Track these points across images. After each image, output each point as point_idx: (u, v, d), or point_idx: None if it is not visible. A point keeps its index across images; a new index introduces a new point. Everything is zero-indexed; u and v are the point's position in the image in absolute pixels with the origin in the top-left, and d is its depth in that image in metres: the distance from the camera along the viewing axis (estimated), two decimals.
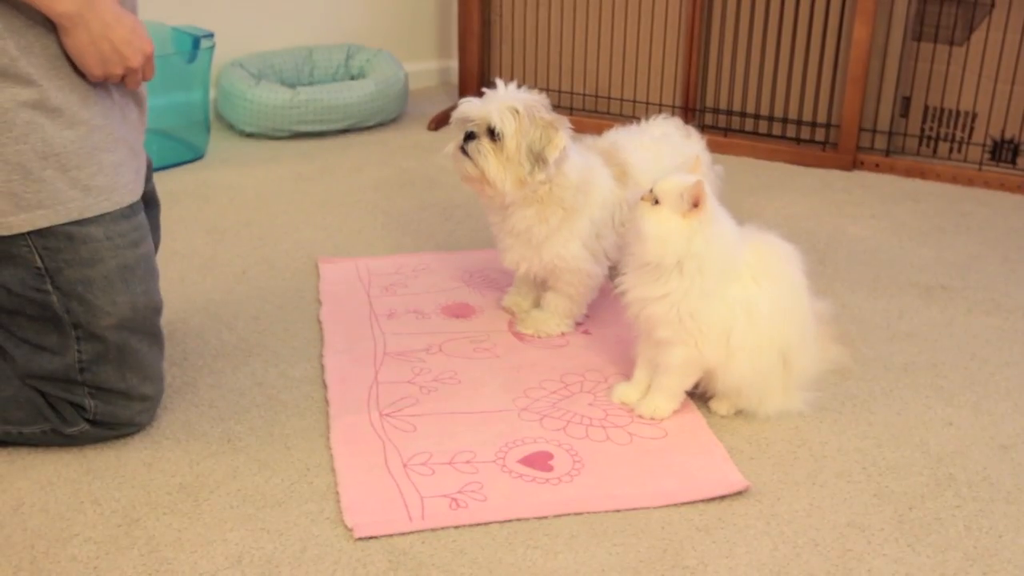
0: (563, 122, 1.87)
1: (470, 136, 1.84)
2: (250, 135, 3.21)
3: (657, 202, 1.65)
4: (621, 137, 2.04)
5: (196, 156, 3.02)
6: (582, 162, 1.91)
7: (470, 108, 1.84)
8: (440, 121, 3.39)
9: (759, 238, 1.76)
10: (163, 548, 1.45)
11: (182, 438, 1.70)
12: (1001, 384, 1.90)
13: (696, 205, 1.63)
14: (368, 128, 3.32)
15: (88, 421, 1.62)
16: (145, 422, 1.68)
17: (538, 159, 1.82)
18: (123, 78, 1.58)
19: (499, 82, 1.88)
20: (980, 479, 1.63)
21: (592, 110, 3.40)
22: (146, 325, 1.63)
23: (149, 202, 1.84)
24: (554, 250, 1.91)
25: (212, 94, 3.18)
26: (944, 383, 1.90)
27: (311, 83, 3.40)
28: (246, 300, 2.15)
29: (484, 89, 1.87)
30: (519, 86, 1.89)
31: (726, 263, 1.68)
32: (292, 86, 3.24)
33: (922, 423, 1.77)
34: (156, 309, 1.65)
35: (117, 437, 1.66)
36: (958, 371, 1.94)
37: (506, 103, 1.82)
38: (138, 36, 1.54)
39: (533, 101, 1.85)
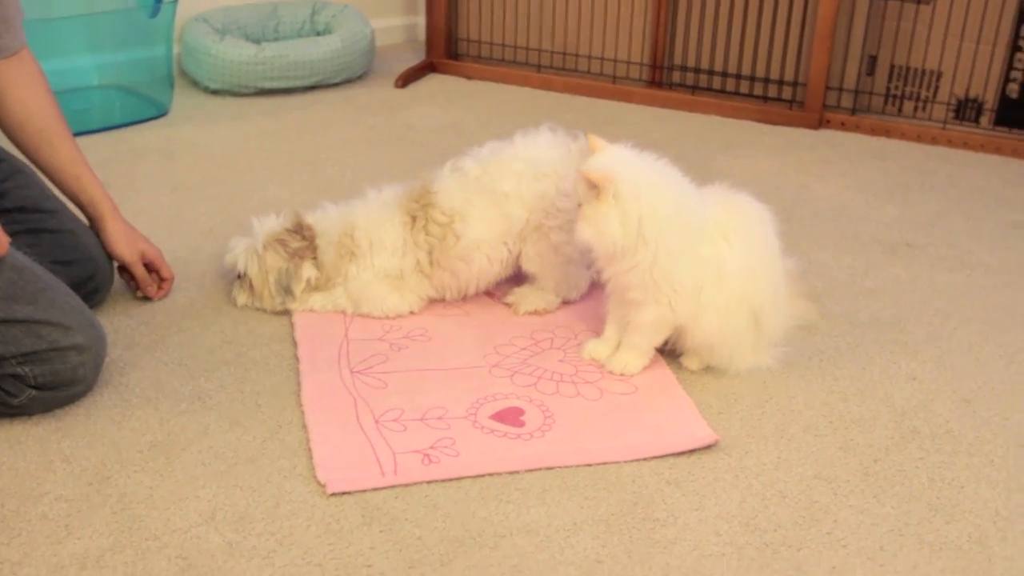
0: (310, 252, 1.93)
1: (238, 275, 1.97)
2: (215, 92, 3.17)
3: (580, 205, 1.68)
4: (492, 163, 1.92)
5: (160, 113, 2.98)
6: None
7: (228, 255, 1.97)
8: (408, 78, 3.37)
9: (731, 197, 1.76)
10: (135, 505, 1.44)
11: (152, 396, 1.69)
12: (964, 339, 1.93)
13: (595, 186, 1.63)
14: (334, 85, 3.29)
15: (32, 387, 1.59)
16: (90, 375, 1.64)
17: (287, 291, 1.91)
18: None
19: (255, 221, 1.96)
20: (943, 432, 1.66)
21: (560, 67, 3.39)
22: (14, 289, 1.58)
23: None
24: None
25: (176, 50, 3.13)
26: (908, 338, 1.93)
27: (276, 39, 3.35)
28: (214, 258, 2.13)
29: (253, 219, 1.97)
30: (277, 215, 1.97)
31: (684, 223, 1.68)
32: (257, 42, 3.20)
33: (887, 377, 1.80)
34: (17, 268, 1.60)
35: (71, 398, 1.64)
36: (922, 326, 1.97)
37: (251, 245, 1.94)
38: None
39: (283, 236, 1.92)
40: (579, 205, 1.68)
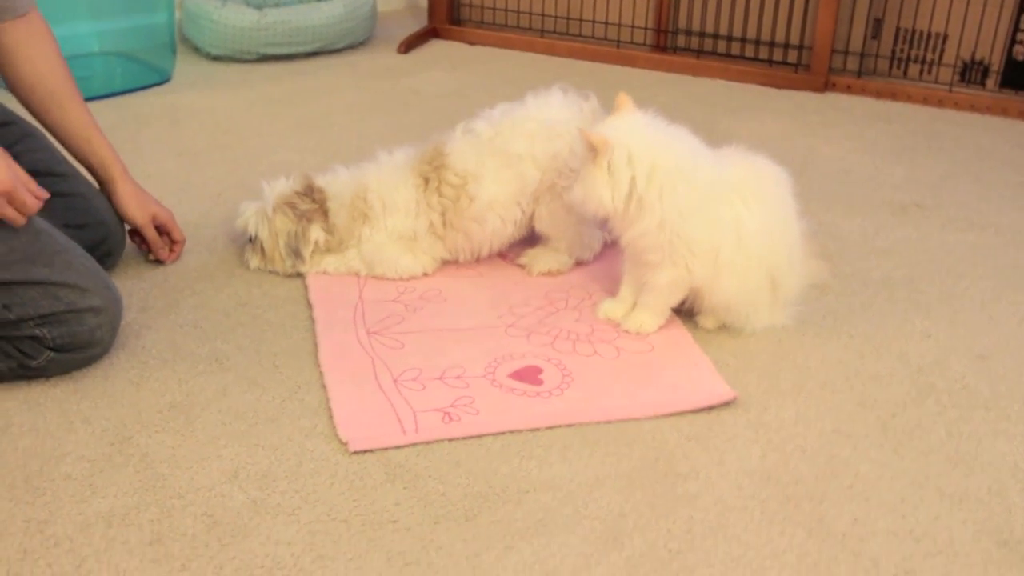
0: (319, 214, 1.92)
1: (250, 239, 1.96)
2: (216, 58, 3.15)
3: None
4: (505, 125, 1.90)
5: (162, 79, 2.96)
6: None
7: (238, 219, 1.96)
8: (410, 44, 3.35)
9: (747, 159, 1.76)
10: (158, 464, 1.45)
11: (168, 358, 1.69)
12: (976, 297, 1.93)
13: (594, 150, 1.65)
14: (337, 51, 3.27)
15: (51, 349, 1.58)
16: (107, 338, 1.64)
17: (296, 254, 1.90)
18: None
19: (265, 184, 1.95)
20: (959, 388, 1.66)
21: (564, 32, 3.38)
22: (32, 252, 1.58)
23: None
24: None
25: (177, 16, 3.11)
26: (921, 297, 1.93)
27: (277, 5, 3.32)
28: (224, 223, 2.13)
29: (263, 183, 1.97)
30: (287, 178, 1.96)
31: (692, 185, 1.68)
32: (259, 7, 3.17)
33: (901, 335, 1.81)
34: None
35: (88, 360, 1.64)
36: (934, 285, 1.97)
37: (261, 208, 1.94)
38: None
39: (292, 198, 1.91)
40: (574, 170, 1.70)
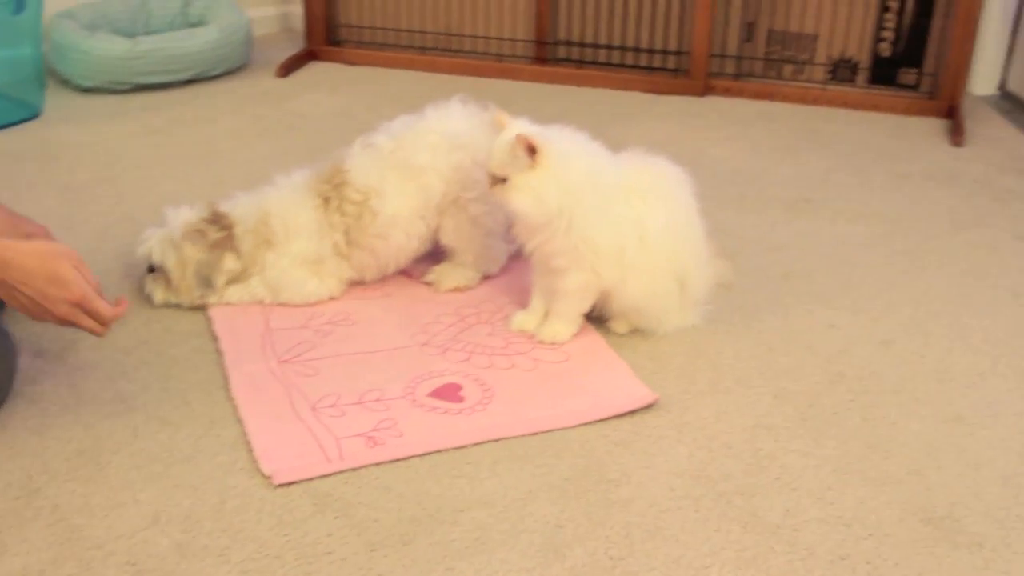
0: (230, 242, 1.86)
1: (150, 269, 1.89)
2: (88, 90, 3.04)
3: (504, 180, 1.65)
4: (406, 137, 1.90)
5: (32, 114, 2.84)
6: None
7: (140, 246, 1.88)
8: (289, 67, 3.29)
9: (646, 161, 1.78)
10: (71, 515, 1.37)
11: (70, 403, 1.61)
12: (872, 286, 1.99)
13: (534, 151, 1.62)
14: (214, 77, 3.19)
15: None
16: (4, 387, 1.56)
17: (207, 283, 1.86)
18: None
19: (168, 212, 1.89)
20: (868, 374, 1.71)
21: (445, 48, 3.37)
22: None
23: None
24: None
25: (44, 48, 2.99)
26: (821, 289, 1.98)
27: (148, 32, 3.23)
28: (115, 258, 2.05)
29: (166, 210, 1.90)
30: (191, 206, 1.90)
31: (595, 186, 1.69)
32: (130, 36, 3.07)
33: (807, 327, 1.85)
34: None
35: None
36: (832, 276, 2.03)
37: (167, 235, 1.86)
38: (56, 286, 1.43)
39: (200, 226, 1.86)
40: (501, 180, 1.66)
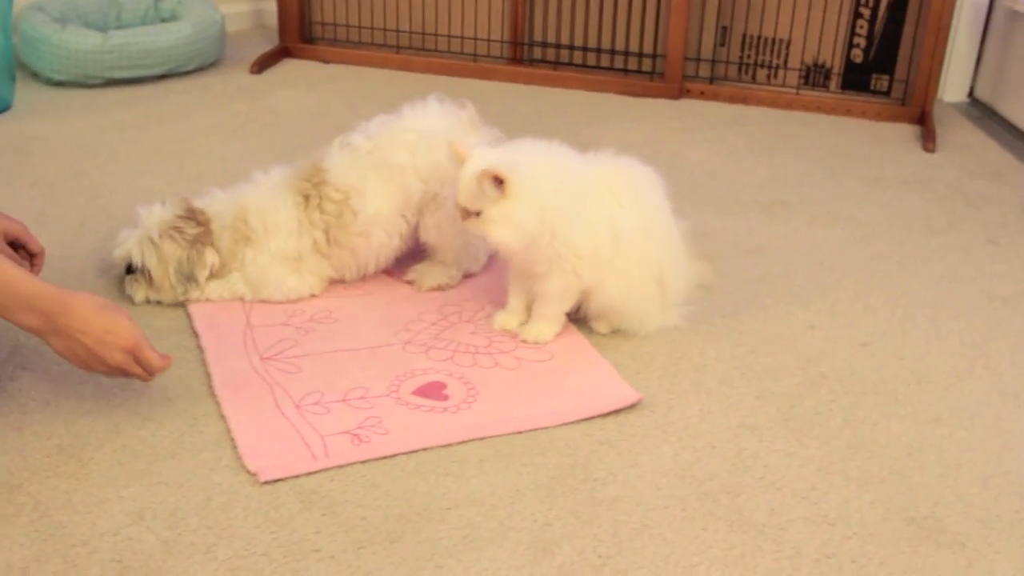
0: (208, 238, 1.86)
1: (129, 270, 1.87)
2: (59, 83, 3.00)
3: (478, 213, 1.63)
4: (384, 137, 1.89)
5: (2, 108, 2.80)
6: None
7: (116, 249, 1.87)
8: (263, 64, 3.27)
9: (617, 161, 1.78)
10: (54, 512, 1.35)
11: (50, 399, 1.59)
12: (850, 288, 2.01)
13: (502, 182, 1.60)
14: (187, 73, 3.17)
15: None
16: None
17: (189, 279, 1.84)
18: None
19: (141, 211, 1.88)
20: (848, 375, 1.73)
21: (420, 48, 3.36)
22: None
23: None
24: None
25: (13, 40, 2.95)
26: (799, 291, 2.00)
27: (119, 26, 3.20)
28: (90, 254, 2.02)
29: (139, 209, 1.88)
30: (163, 204, 1.88)
31: (570, 191, 1.68)
32: (102, 30, 3.04)
33: (787, 328, 1.86)
34: None
35: None
36: (810, 279, 2.05)
37: (144, 235, 1.84)
38: (113, 335, 1.46)
39: (177, 223, 1.84)
40: (475, 214, 1.64)
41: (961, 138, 2.86)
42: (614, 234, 1.72)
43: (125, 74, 3.01)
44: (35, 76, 3.04)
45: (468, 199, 1.63)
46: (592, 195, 1.72)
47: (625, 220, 1.73)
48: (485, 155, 1.65)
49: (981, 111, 3.09)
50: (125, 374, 1.51)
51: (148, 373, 1.52)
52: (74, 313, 1.45)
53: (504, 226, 1.63)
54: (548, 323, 1.78)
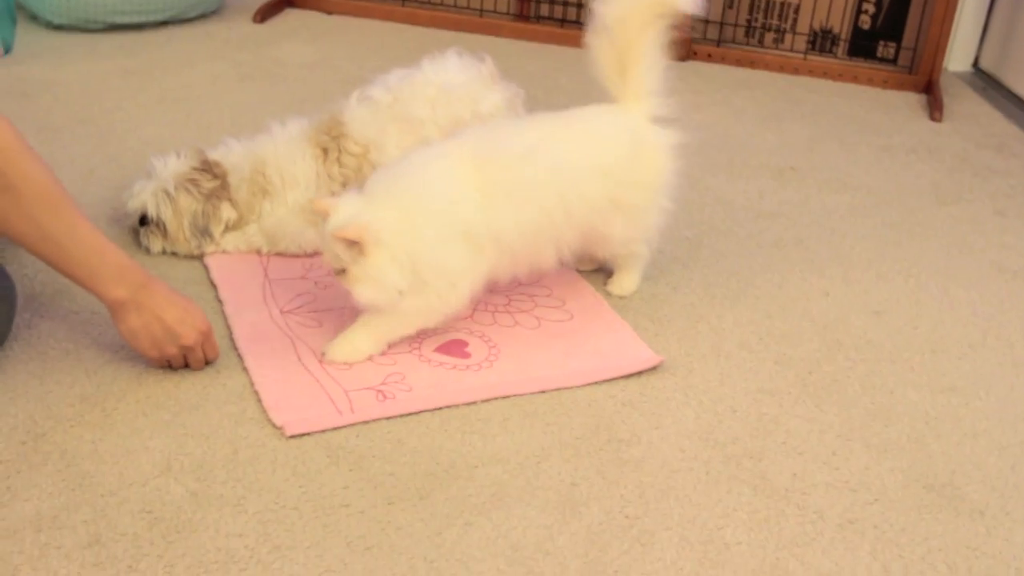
0: (225, 191, 1.83)
1: (142, 221, 1.84)
2: (59, 27, 2.95)
3: (344, 271, 1.53)
4: (404, 90, 1.88)
5: (3, 51, 2.75)
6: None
7: (131, 200, 1.84)
8: (266, 13, 3.23)
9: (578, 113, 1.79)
10: (80, 461, 1.35)
11: (70, 348, 1.58)
12: (862, 256, 2.02)
13: (358, 242, 1.49)
14: (189, 20, 3.12)
15: None
16: (3, 330, 1.55)
17: (204, 233, 1.83)
18: (184, 359, 1.53)
19: (156, 162, 1.85)
20: (864, 343, 1.74)
21: (425, 1, 3.32)
22: None
23: None
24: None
25: None
26: (813, 256, 2.01)
27: None
28: (103, 202, 2.00)
29: (153, 160, 1.85)
30: (179, 155, 1.85)
31: (433, 237, 1.56)
32: None
33: (802, 294, 1.87)
34: None
35: None
36: (823, 245, 2.05)
37: (160, 187, 1.82)
38: (191, 315, 1.49)
39: (193, 176, 1.82)
40: (341, 272, 1.53)
41: (967, 108, 2.86)
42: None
43: (127, 19, 2.96)
44: (34, 19, 2.99)
45: (330, 258, 1.53)
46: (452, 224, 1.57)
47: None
48: (346, 206, 1.53)
49: (985, 82, 3.09)
50: (184, 361, 1.52)
51: (206, 361, 1.54)
52: (157, 291, 1.47)
53: (367, 286, 1.51)
54: (368, 340, 1.61)
